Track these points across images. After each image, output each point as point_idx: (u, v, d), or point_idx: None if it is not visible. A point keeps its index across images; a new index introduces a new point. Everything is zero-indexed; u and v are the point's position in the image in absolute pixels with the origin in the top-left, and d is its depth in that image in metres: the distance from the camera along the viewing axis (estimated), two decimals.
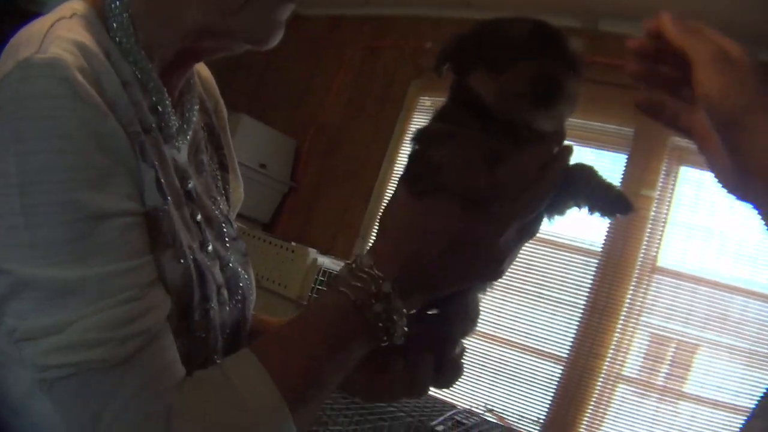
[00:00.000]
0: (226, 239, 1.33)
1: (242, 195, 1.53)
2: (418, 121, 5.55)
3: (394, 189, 1.16)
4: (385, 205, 1.16)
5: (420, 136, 1.14)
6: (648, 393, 4.40)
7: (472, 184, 1.07)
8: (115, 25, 1.14)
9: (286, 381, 1.04)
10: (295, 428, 1.04)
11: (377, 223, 1.16)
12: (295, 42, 6.37)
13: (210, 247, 1.24)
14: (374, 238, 1.15)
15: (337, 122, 5.89)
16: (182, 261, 1.09)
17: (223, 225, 1.33)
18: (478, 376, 4.86)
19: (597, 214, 1.14)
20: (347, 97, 5.97)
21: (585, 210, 1.14)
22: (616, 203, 1.13)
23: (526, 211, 1.10)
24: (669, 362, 4.44)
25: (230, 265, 1.29)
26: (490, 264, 1.12)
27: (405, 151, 5.50)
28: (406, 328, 1.10)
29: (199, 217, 1.24)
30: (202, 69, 1.48)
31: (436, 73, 1.14)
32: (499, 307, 4.94)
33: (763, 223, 0.97)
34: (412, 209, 1.10)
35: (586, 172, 1.15)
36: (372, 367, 1.18)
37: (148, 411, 0.95)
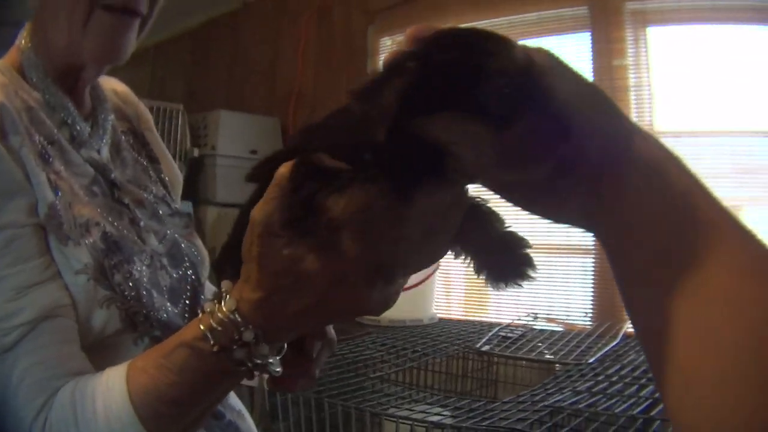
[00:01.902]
0: (163, 217, 1.64)
1: (179, 174, 1.91)
2: None
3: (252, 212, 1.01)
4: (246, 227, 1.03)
5: (304, 166, 0.95)
6: None
7: (375, 252, 0.93)
8: (25, 64, 1.51)
9: (148, 408, 1.18)
10: None
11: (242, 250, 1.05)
12: (249, 29, 6.57)
13: (142, 223, 1.54)
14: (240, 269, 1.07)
15: (312, 89, 5.99)
16: (89, 233, 1.37)
17: (155, 205, 1.64)
18: (515, 289, 4.86)
19: (484, 277, 1.01)
20: (313, 62, 6.07)
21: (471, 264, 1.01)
22: (514, 267, 0.99)
23: (420, 268, 1.05)
24: None
25: (167, 236, 1.59)
26: (377, 308, 1.04)
27: None
28: (278, 369, 1.11)
29: (126, 200, 1.55)
30: (117, 86, 1.85)
31: (373, 129, 0.87)
32: (515, 214, 4.95)
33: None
34: (286, 252, 0.98)
35: (482, 217, 1.02)
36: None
37: (36, 390, 1.23)
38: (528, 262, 0.98)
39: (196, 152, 5.59)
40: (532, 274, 0.98)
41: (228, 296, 1.07)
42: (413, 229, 0.92)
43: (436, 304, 4.22)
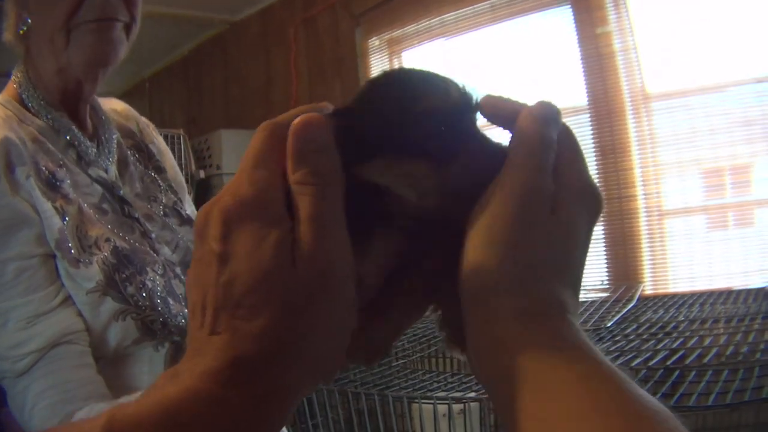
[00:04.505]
0: (174, 227, 1.73)
1: (181, 177, 1.97)
2: (377, 62, 5.80)
3: None
4: None
5: None
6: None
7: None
8: (24, 96, 1.62)
9: None
10: None
11: None
12: (240, 48, 6.71)
13: (153, 235, 1.62)
14: None
15: (308, 98, 6.07)
16: (99, 250, 1.47)
17: (165, 217, 1.73)
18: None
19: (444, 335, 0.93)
20: (306, 71, 6.20)
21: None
22: None
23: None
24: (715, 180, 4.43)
25: (179, 245, 1.68)
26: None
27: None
28: None
29: (136, 214, 1.63)
30: (117, 105, 1.93)
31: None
32: None
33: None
34: None
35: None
36: None
37: (49, 414, 1.35)
38: None
39: (202, 174, 5.79)
40: None
41: None
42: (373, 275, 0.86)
43: None
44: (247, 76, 6.70)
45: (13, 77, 1.66)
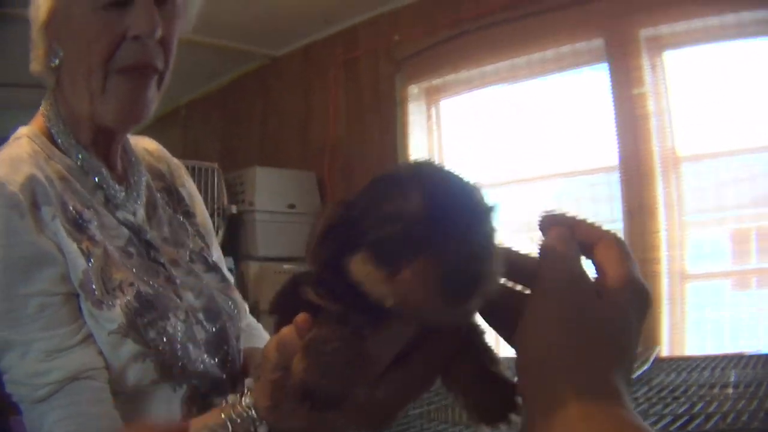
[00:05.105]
0: (199, 273, 1.72)
1: (209, 223, 1.96)
2: (415, 108, 5.85)
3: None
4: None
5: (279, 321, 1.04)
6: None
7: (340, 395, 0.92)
8: (54, 131, 1.61)
9: None
10: None
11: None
12: (279, 84, 6.73)
13: (178, 281, 1.62)
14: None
15: (345, 141, 6.18)
16: (123, 293, 1.49)
17: (192, 263, 1.73)
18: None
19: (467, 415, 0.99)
20: (344, 113, 6.26)
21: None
22: (500, 411, 0.95)
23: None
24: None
25: (203, 291, 1.67)
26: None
27: (412, 144, 5.81)
28: None
29: (162, 259, 1.63)
30: (148, 144, 1.92)
31: (315, 262, 0.93)
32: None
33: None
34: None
35: (475, 354, 0.98)
36: None
37: None
38: (514, 408, 0.93)
39: (234, 209, 5.84)
40: (515, 420, 0.93)
41: (249, 393, 1.16)
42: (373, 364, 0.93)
43: None
44: (285, 112, 6.74)
45: (42, 109, 1.65)
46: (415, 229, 0.83)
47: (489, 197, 0.90)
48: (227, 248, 5.60)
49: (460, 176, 0.90)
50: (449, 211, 0.84)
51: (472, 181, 0.90)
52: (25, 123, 1.64)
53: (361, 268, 0.87)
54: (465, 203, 0.86)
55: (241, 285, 5.49)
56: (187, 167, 5.26)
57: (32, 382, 1.39)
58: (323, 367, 0.89)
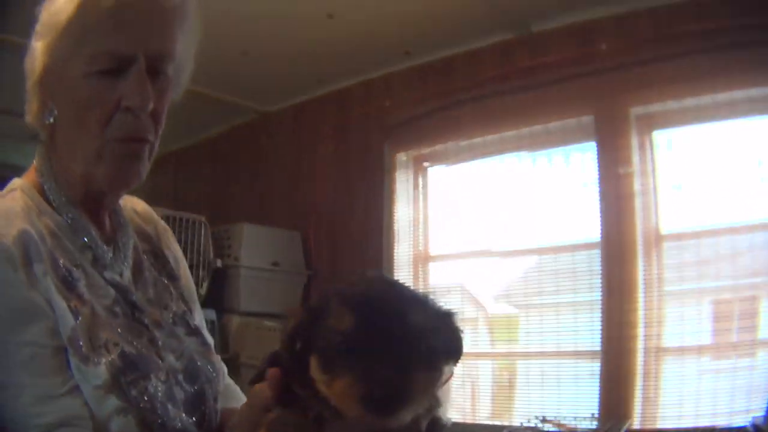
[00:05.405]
0: (181, 335, 1.76)
1: (193, 287, 1.97)
2: (402, 176, 5.95)
3: None
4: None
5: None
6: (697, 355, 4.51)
7: None
8: (46, 187, 1.63)
9: None
10: None
11: None
12: (269, 140, 6.76)
13: (160, 342, 1.65)
14: None
15: (331, 202, 6.23)
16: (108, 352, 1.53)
17: (174, 326, 1.76)
18: (525, 392, 5.14)
19: None
20: (332, 175, 6.32)
21: None
22: None
23: None
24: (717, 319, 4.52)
25: (184, 353, 1.71)
26: None
27: (398, 211, 5.92)
28: None
29: (146, 320, 1.66)
30: (137, 204, 1.94)
31: (287, 355, 1.15)
32: (525, 323, 5.24)
33: None
34: None
35: None
36: None
37: None
38: None
39: (219, 263, 5.89)
40: None
41: None
42: None
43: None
44: (274, 169, 6.77)
45: (35, 162, 1.68)
46: (349, 345, 1.02)
47: (441, 309, 1.13)
48: (210, 300, 5.70)
49: (407, 294, 1.11)
50: (374, 334, 1.01)
51: (419, 297, 1.11)
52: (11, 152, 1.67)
53: (314, 368, 1.06)
54: (394, 328, 1.02)
55: (223, 337, 5.55)
56: (176, 219, 5.37)
57: (26, 422, 1.42)
58: None
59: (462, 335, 1.18)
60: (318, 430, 1.09)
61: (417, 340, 1.03)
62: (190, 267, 2.05)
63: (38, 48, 1.56)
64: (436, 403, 1.12)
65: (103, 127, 1.55)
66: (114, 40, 1.52)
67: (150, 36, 1.57)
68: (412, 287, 1.15)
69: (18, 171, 1.69)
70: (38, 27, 1.57)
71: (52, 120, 1.59)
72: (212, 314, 5.55)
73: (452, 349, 1.15)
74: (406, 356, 1.01)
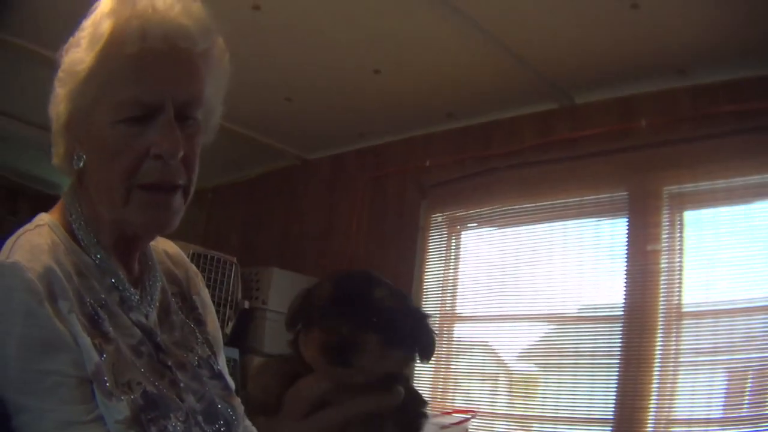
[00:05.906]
0: (204, 378, 1.77)
1: (219, 333, 2.00)
2: (435, 236, 5.99)
3: None
4: None
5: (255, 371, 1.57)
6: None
7: (264, 402, 1.44)
8: (75, 226, 1.65)
9: None
10: None
11: None
12: (306, 187, 6.79)
13: (182, 384, 1.67)
14: None
15: (363, 255, 6.21)
16: (131, 390, 1.54)
17: (198, 368, 1.78)
18: None
19: None
20: (366, 229, 6.34)
21: None
22: None
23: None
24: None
25: (205, 396, 1.72)
26: None
27: (429, 270, 5.96)
28: None
29: (169, 362, 1.68)
30: (169, 248, 1.97)
31: (289, 329, 1.44)
32: (542, 387, 5.28)
33: None
34: None
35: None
36: None
37: None
38: None
39: (246, 304, 5.97)
40: None
41: None
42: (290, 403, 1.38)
43: None
44: (309, 216, 6.80)
45: (63, 199, 1.68)
46: (323, 307, 1.31)
47: (418, 307, 1.46)
48: (234, 340, 5.82)
49: (386, 283, 1.37)
50: (343, 301, 1.30)
51: (399, 291, 1.38)
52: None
53: (300, 335, 1.37)
54: (362, 297, 1.31)
55: (243, 376, 5.54)
56: (207, 257, 5.41)
57: None
58: (259, 383, 1.45)
59: (433, 335, 1.44)
60: (291, 383, 1.37)
61: (378, 311, 1.30)
62: (217, 306, 2.14)
63: (61, 95, 1.59)
64: (420, 399, 1.43)
65: (131, 175, 1.56)
66: (140, 88, 1.53)
67: (177, 83, 1.58)
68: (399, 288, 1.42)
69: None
70: (60, 73, 1.60)
71: (81, 165, 1.61)
72: (235, 353, 5.63)
73: (421, 341, 1.41)
74: (364, 320, 1.28)
